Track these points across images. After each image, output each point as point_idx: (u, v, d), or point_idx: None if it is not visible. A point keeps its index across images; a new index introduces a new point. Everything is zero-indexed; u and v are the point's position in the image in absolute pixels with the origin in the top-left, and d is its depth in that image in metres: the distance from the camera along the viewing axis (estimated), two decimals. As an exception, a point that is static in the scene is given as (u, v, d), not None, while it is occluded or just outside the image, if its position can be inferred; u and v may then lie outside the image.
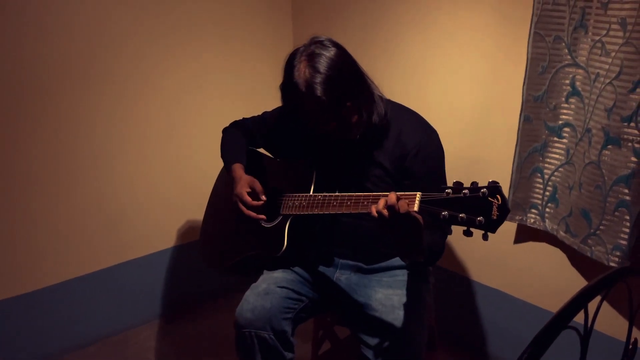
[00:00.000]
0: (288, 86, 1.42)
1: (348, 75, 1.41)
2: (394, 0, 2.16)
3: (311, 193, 1.54)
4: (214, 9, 2.41)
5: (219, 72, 2.50)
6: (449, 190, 1.09)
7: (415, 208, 1.15)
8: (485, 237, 1.07)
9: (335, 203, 1.41)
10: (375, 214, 1.20)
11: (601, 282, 0.96)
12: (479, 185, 1.06)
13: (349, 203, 1.36)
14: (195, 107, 2.46)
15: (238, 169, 1.71)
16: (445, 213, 1.09)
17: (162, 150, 2.40)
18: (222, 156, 1.83)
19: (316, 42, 1.41)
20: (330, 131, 1.45)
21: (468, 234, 1.09)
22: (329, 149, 1.61)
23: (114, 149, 2.26)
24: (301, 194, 1.55)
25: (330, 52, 1.39)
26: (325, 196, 1.45)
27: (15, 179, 2.03)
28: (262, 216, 1.62)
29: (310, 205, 1.49)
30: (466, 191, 1.06)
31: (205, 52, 2.43)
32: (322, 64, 1.36)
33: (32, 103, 2.01)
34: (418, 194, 1.16)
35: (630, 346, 1.13)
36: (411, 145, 1.51)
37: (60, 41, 2.02)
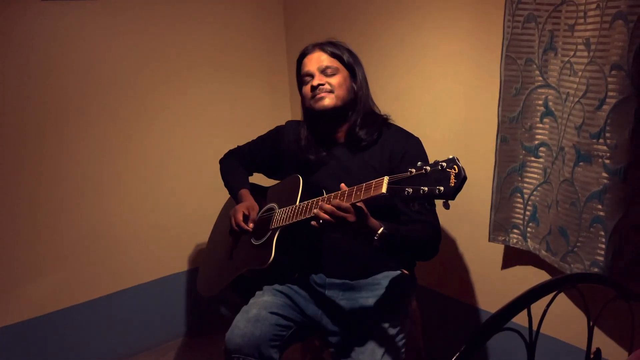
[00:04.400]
0: (300, 55, 1.76)
1: (348, 53, 1.74)
2: (375, 32, 2.26)
3: (298, 202, 1.62)
4: (210, 41, 2.54)
5: (216, 102, 2.60)
6: (412, 170, 1.20)
7: (384, 190, 1.25)
8: (446, 206, 1.16)
9: (310, 206, 1.51)
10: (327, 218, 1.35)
11: (547, 286, 0.98)
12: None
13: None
14: (192, 136, 2.55)
15: (245, 194, 1.86)
16: (409, 189, 1.19)
17: (159, 179, 2.48)
18: (227, 186, 1.97)
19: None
20: (313, 85, 1.68)
21: (431, 204, 1.21)
22: (319, 156, 1.74)
23: (118, 179, 2.35)
24: (288, 206, 1.63)
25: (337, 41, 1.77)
26: (308, 203, 1.53)
27: (15, 207, 2.11)
28: (248, 227, 1.74)
29: (296, 213, 1.57)
30: (427, 167, 1.18)
31: (202, 83, 2.54)
32: (330, 40, 1.76)
33: (37, 134, 2.12)
34: (385, 178, 1.26)
35: (592, 356, 1.13)
36: (398, 148, 1.66)
37: (61, 75, 2.14)
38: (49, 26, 2.09)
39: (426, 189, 1.16)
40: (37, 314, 2.21)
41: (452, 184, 1.13)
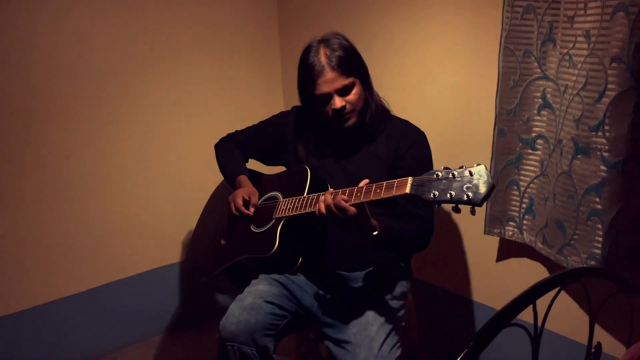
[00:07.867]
0: (306, 66, 1.62)
1: (356, 58, 1.65)
2: (372, 24, 2.24)
3: (306, 194, 1.60)
4: (203, 28, 2.49)
5: (207, 91, 2.56)
6: (439, 173, 1.20)
7: (407, 190, 1.24)
8: (473, 212, 1.16)
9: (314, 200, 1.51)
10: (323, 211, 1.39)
11: (551, 281, 0.97)
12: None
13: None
14: (183, 127, 2.51)
15: (244, 180, 1.82)
16: (435, 192, 1.18)
17: (151, 171, 2.45)
18: (223, 171, 1.92)
19: (328, 34, 1.66)
20: (336, 109, 1.60)
21: (457, 210, 1.18)
22: (324, 148, 1.72)
23: (103, 170, 2.30)
24: (294, 197, 1.61)
25: (340, 39, 1.64)
26: (317, 195, 1.52)
27: (3, 199, 2.07)
28: (249, 212, 1.72)
29: (303, 205, 1.56)
30: (455, 172, 1.17)
31: (194, 72, 2.50)
32: (335, 44, 1.61)
33: (24, 126, 2.07)
34: (410, 179, 1.25)
35: (594, 350, 1.12)
36: (404, 141, 1.66)
37: (47, 62, 2.09)
38: (30, 10, 2.03)
39: (454, 193, 1.16)
40: (24, 307, 2.17)
41: (482, 192, 1.13)
